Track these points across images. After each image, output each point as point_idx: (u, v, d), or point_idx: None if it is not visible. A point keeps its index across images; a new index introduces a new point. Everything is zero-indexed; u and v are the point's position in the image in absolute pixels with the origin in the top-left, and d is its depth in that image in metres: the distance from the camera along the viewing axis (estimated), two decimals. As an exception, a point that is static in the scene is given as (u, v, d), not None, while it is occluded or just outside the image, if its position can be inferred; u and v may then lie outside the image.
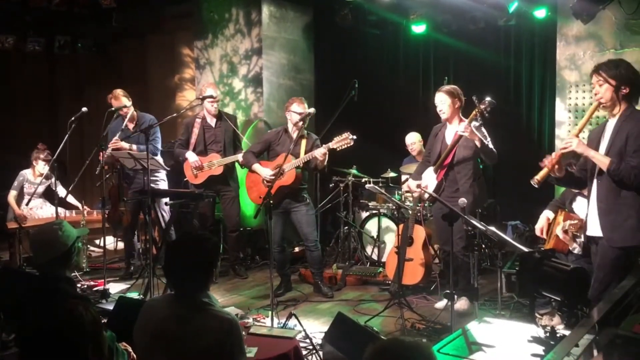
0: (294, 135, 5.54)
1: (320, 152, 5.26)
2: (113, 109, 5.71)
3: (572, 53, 6.05)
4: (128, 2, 7.76)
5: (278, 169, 5.25)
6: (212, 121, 6.24)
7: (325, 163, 5.41)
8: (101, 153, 5.82)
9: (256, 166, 5.57)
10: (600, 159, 3.39)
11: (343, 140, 5.22)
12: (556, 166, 3.54)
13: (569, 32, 6.06)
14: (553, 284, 2.59)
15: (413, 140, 6.69)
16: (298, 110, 5.50)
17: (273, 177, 5.28)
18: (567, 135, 6.06)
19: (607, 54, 5.82)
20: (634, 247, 3.35)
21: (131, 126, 6.21)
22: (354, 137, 5.20)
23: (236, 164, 6.22)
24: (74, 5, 7.59)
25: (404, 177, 6.55)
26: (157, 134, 6.24)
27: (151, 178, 6.12)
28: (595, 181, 3.50)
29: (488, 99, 4.71)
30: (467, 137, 4.76)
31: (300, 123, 5.44)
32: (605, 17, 5.78)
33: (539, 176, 3.55)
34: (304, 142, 5.52)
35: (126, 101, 6.13)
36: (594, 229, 3.51)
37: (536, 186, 3.56)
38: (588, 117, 3.52)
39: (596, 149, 3.50)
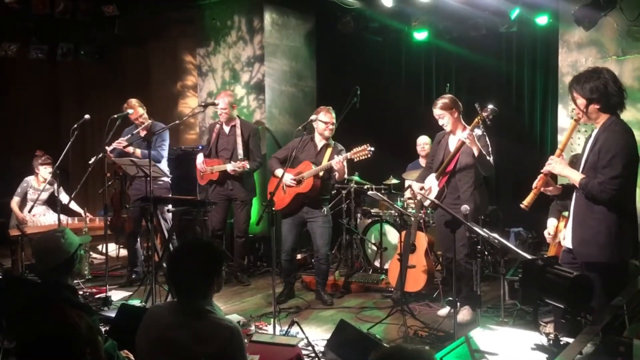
0: (319, 144, 5.55)
1: (335, 161, 5.27)
2: (115, 116, 5.73)
3: (574, 60, 6.05)
4: (130, 9, 7.79)
5: (300, 175, 5.29)
6: (226, 128, 6.32)
7: (345, 175, 5.44)
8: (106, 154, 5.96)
9: (278, 171, 5.53)
10: (574, 177, 3.39)
11: (361, 152, 5.21)
12: (543, 188, 3.53)
13: (570, 38, 6.06)
14: (556, 291, 2.57)
15: (426, 141, 6.67)
16: (324, 119, 5.49)
17: (294, 182, 5.31)
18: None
19: (609, 61, 5.83)
20: (602, 263, 3.31)
21: (143, 134, 6.27)
22: (372, 149, 5.20)
23: (255, 176, 6.36)
24: (76, 12, 7.62)
25: (407, 183, 6.54)
26: (164, 141, 6.32)
27: (159, 185, 6.19)
28: (575, 193, 3.50)
29: (490, 106, 4.73)
30: (468, 144, 4.76)
31: (327, 131, 5.47)
32: (607, 23, 5.78)
33: (526, 201, 3.53)
34: (328, 151, 5.53)
35: (141, 110, 6.29)
36: (567, 242, 3.52)
37: (526, 209, 3.54)
38: (569, 135, 3.52)
39: (583, 151, 3.52)
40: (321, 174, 5.42)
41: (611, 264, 3.33)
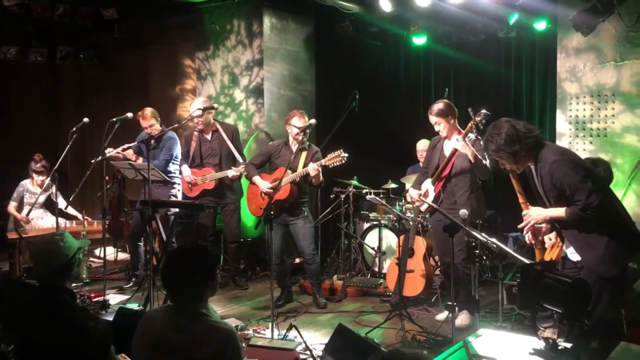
0: (294, 148, 5.55)
1: (312, 168, 5.27)
2: (114, 119, 5.73)
3: (573, 65, 6.07)
4: (130, 13, 7.80)
5: (276, 182, 5.27)
6: (208, 134, 6.26)
7: (321, 179, 5.41)
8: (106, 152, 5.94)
9: (256, 178, 5.58)
10: (558, 214, 3.44)
11: (335, 158, 5.23)
12: (540, 238, 3.68)
13: (569, 44, 6.08)
14: (554, 296, 2.57)
15: (425, 147, 6.62)
16: (298, 124, 5.50)
17: (271, 190, 5.30)
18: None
19: (608, 66, 5.84)
20: (620, 273, 3.38)
21: (153, 142, 6.27)
22: (346, 155, 5.21)
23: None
24: (76, 16, 7.63)
25: (407, 187, 6.54)
26: (171, 149, 6.28)
27: (166, 191, 6.17)
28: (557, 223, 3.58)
29: (483, 111, 4.72)
30: (461, 149, 4.76)
31: (301, 136, 5.44)
32: (605, 29, 5.80)
33: (537, 258, 3.66)
34: (303, 154, 5.52)
35: (152, 121, 6.24)
36: (574, 256, 3.56)
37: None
38: (518, 187, 3.61)
39: (535, 184, 3.59)
40: (297, 179, 5.42)
41: (623, 271, 3.39)
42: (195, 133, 6.29)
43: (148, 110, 6.28)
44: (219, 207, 6.27)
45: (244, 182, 6.33)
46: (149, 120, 6.23)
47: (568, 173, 3.34)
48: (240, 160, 6.08)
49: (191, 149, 6.27)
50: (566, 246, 3.65)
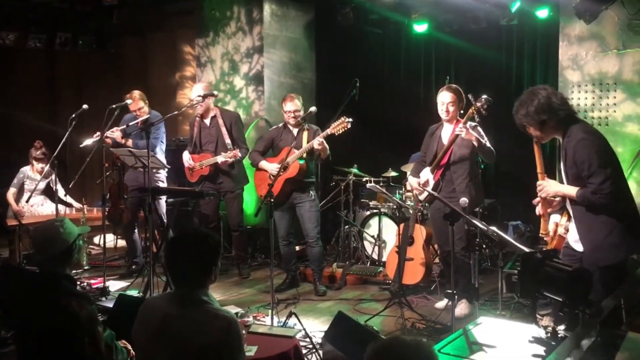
0: (294, 130, 5.59)
1: (316, 142, 5.30)
2: (114, 106, 5.71)
3: (575, 53, 6.04)
4: (130, -1, 7.76)
5: (282, 162, 5.29)
6: (206, 120, 6.24)
7: (328, 152, 5.45)
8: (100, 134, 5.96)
9: (262, 163, 5.67)
10: (569, 192, 3.44)
11: (340, 125, 5.26)
12: (549, 210, 3.65)
13: (571, 32, 6.04)
14: (554, 285, 2.57)
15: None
16: (285, 108, 5.65)
17: (280, 170, 5.32)
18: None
19: (610, 54, 5.81)
20: (614, 264, 3.34)
21: (140, 125, 6.26)
22: (350, 119, 5.23)
23: (245, 162, 6.24)
24: (75, 2, 7.58)
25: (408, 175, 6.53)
26: (159, 131, 6.28)
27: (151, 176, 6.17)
28: (568, 203, 3.56)
29: (484, 96, 4.69)
30: (463, 136, 4.73)
31: (292, 117, 5.58)
32: (608, 17, 5.77)
33: (544, 230, 3.67)
34: (305, 134, 5.59)
35: (141, 104, 6.26)
36: (577, 245, 3.55)
37: (546, 235, 3.72)
38: (539, 156, 3.61)
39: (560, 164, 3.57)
40: (304, 155, 5.45)
41: (620, 262, 3.35)
42: (197, 119, 6.29)
43: (136, 93, 6.26)
44: (220, 195, 6.25)
45: (248, 169, 6.33)
46: (138, 103, 6.22)
47: (591, 155, 3.30)
48: (229, 145, 6.04)
49: (194, 134, 6.28)
50: (570, 233, 3.63)
